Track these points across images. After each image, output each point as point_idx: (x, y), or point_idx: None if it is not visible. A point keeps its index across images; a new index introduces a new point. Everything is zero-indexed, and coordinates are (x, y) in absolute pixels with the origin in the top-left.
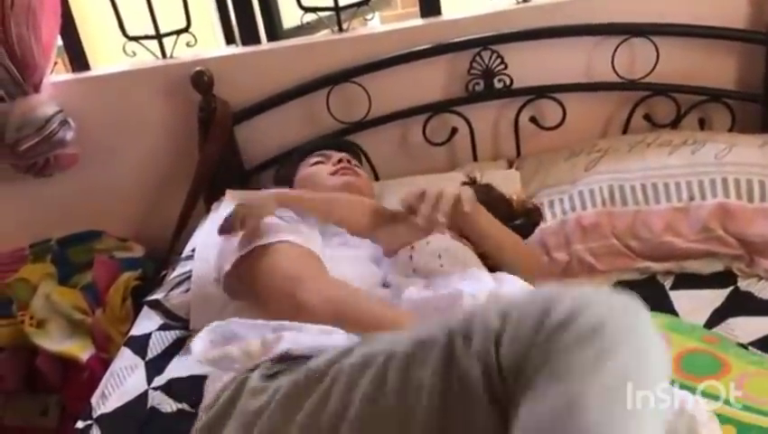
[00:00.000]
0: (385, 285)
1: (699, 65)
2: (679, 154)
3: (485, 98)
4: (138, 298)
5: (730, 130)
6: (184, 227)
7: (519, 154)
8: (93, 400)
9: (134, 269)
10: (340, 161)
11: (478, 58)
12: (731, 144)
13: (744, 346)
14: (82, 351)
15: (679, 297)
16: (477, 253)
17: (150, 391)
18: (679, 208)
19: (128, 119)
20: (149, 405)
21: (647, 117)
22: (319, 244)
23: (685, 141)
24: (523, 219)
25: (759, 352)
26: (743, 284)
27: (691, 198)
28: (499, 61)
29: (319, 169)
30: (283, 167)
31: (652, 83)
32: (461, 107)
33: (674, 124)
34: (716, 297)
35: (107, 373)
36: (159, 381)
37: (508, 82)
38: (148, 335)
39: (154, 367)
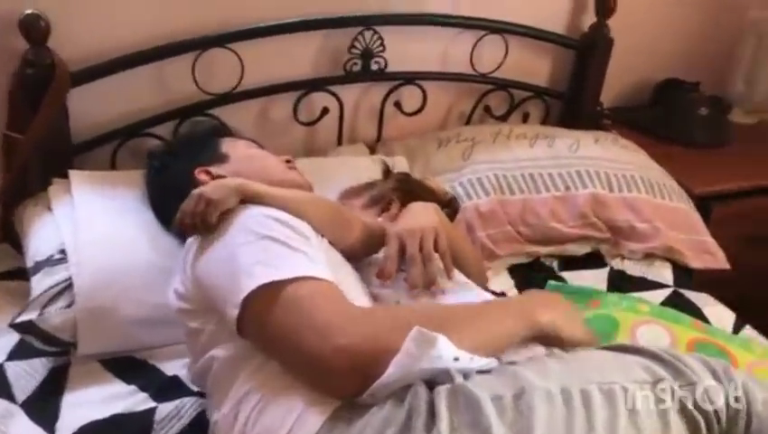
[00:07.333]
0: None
1: (530, 64)
2: (539, 147)
3: (360, 79)
4: None
5: (542, 123)
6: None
7: (378, 138)
8: None
9: None
10: (288, 161)
11: (360, 37)
12: (575, 139)
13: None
14: None
15: (570, 279)
16: None
17: None
18: (558, 197)
19: None
20: None
21: (486, 109)
22: (326, 265)
23: (537, 135)
24: (446, 208)
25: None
26: (612, 263)
27: (567, 188)
28: (379, 42)
29: (268, 156)
30: (185, 140)
31: (498, 78)
32: (336, 87)
33: (504, 117)
34: (598, 276)
35: None
36: (65, 430)
37: (383, 65)
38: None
39: (39, 411)
